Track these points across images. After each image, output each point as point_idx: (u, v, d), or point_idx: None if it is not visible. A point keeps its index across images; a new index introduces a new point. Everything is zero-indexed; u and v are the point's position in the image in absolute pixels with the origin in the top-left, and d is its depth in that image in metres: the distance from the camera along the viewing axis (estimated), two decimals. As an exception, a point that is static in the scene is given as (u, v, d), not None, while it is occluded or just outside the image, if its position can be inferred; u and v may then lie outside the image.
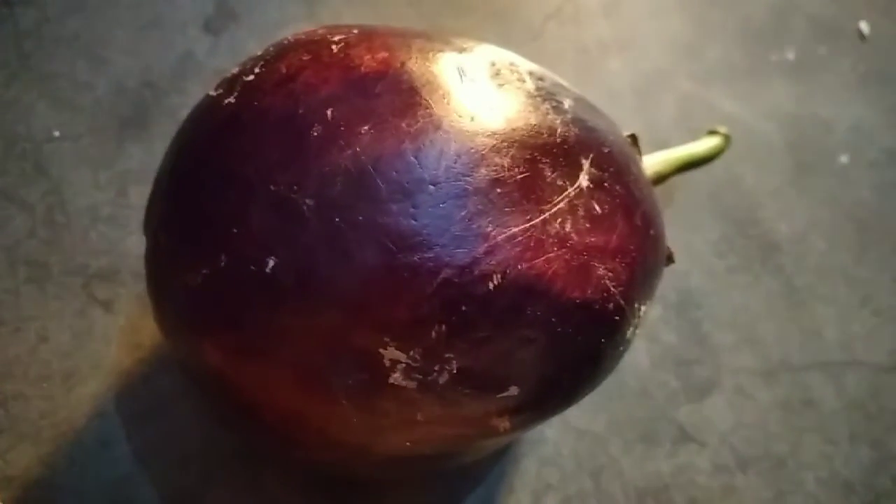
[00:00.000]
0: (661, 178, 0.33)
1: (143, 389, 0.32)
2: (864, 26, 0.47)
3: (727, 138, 0.36)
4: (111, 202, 0.36)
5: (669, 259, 0.29)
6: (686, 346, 0.37)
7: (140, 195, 0.36)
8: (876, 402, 0.37)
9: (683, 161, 0.34)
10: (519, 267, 0.21)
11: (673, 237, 0.39)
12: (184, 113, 0.38)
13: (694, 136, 0.41)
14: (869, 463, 0.36)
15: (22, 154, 0.36)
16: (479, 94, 0.22)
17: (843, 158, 0.43)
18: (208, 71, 0.39)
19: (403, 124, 0.21)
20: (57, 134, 0.37)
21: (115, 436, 0.32)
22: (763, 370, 0.37)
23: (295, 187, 0.21)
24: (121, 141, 0.37)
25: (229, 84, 0.24)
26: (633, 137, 0.29)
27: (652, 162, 0.33)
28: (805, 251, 0.40)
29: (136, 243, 0.35)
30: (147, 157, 0.37)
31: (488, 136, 0.22)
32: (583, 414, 0.35)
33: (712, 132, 0.36)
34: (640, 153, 0.29)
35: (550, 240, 0.22)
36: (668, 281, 0.38)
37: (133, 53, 0.39)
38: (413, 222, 0.20)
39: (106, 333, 0.33)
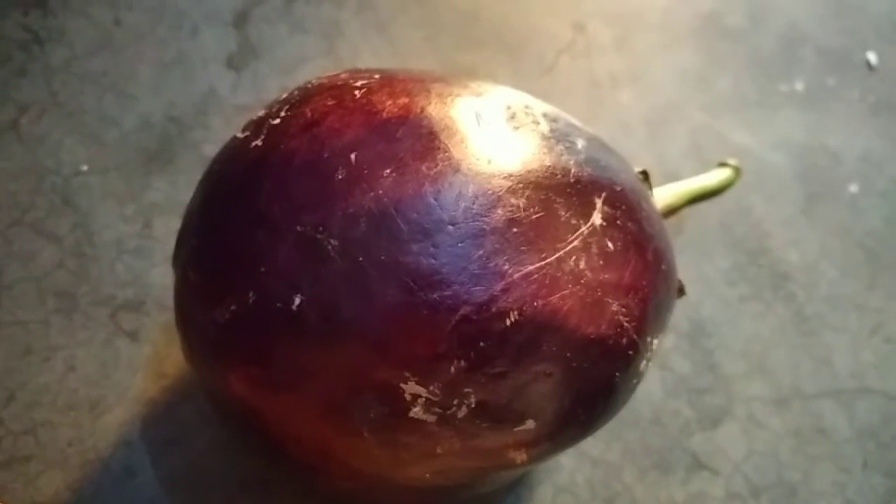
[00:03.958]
0: (672, 211, 0.34)
1: (168, 417, 0.33)
2: (872, 56, 0.48)
3: (737, 170, 0.37)
4: (137, 234, 0.37)
5: (681, 292, 0.30)
6: (699, 375, 0.37)
7: (165, 227, 0.37)
8: (888, 430, 0.37)
9: (694, 193, 0.35)
10: (535, 304, 0.22)
11: (684, 267, 0.40)
12: (207, 147, 0.39)
13: (704, 167, 0.42)
14: (883, 491, 0.36)
15: (51, 188, 0.37)
16: (495, 137, 0.23)
17: (853, 188, 0.44)
18: (231, 106, 0.40)
19: (423, 167, 0.22)
20: (85, 168, 0.38)
21: (141, 463, 0.32)
22: (775, 398, 0.37)
23: (320, 228, 0.22)
24: (146, 175, 0.38)
25: (256, 126, 0.25)
26: (645, 173, 0.30)
27: (663, 195, 0.34)
28: (816, 280, 0.41)
29: (161, 274, 0.36)
30: (171, 190, 0.38)
31: (505, 177, 0.23)
32: (597, 442, 0.35)
33: (723, 164, 0.37)
34: (650, 188, 0.30)
35: (565, 277, 0.23)
36: (681, 310, 0.39)
37: (158, 89, 0.40)
38: (433, 261, 0.21)
39: (132, 362, 0.34)
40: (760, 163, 0.44)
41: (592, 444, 0.35)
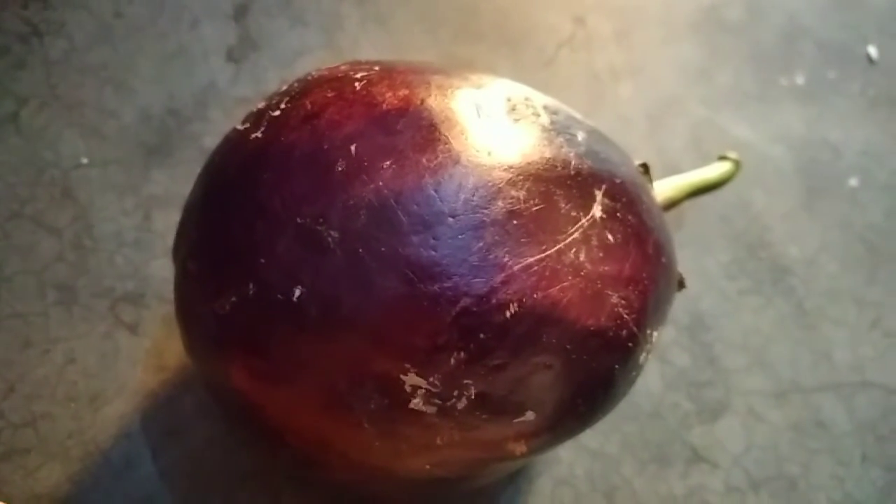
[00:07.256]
0: (672, 204, 0.34)
1: (168, 410, 0.33)
2: (872, 50, 0.48)
3: (738, 164, 0.37)
4: (137, 227, 0.37)
5: (681, 285, 0.30)
6: (698, 369, 0.38)
7: (164, 220, 0.37)
8: (887, 423, 0.37)
9: (694, 187, 0.35)
10: (535, 296, 0.22)
11: (684, 260, 0.40)
12: (207, 140, 0.39)
13: (705, 160, 0.42)
14: (882, 485, 0.36)
15: (50, 180, 0.37)
16: (495, 129, 0.23)
17: (853, 182, 0.44)
18: (230, 99, 0.40)
19: (424, 159, 0.22)
20: (84, 161, 0.38)
21: (140, 455, 0.32)
22: (774, 392, 0.37)
23: (320, 219, 0.22)
24: (146, 167, 0.38)
25: (256, 118, 0.25)
26: (645, 166, 0.30)
27: (663, 188, 0.33)
28: (816, 273, 0.41)
29: (160, 267, 0.36)
30: (171, 183, 0.38)
31: (505, 169, 0.23)
32: (596, 435, 0.35)
33: (723, 158, 0.37)
34: (651, 181, 0.30)
35: (565, 269, 0.23)
36: (680, 304, 0.39)
37: (158, 82, 0.40)
38: (433, 253, 0.21)
39: (131, 355, 0.34)
40: (761, 156, 0.44)
41: (591, 437, 0.35)
